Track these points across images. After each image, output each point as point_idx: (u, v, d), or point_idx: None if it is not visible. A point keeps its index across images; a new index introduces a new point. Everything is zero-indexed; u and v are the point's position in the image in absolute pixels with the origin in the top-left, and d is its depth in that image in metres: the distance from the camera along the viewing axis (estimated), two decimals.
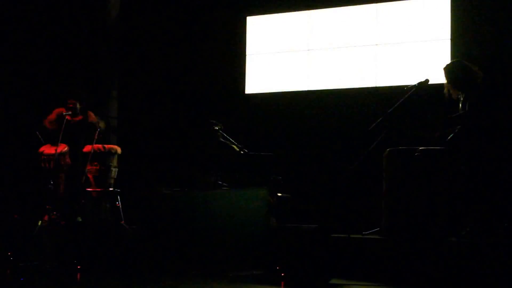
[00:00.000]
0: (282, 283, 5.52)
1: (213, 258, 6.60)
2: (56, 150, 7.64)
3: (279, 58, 9.01)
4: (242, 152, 7.00)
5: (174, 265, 6.70)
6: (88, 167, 7.63)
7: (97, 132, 7.63)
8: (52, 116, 8.03)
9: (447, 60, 7.70)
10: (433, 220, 5.80)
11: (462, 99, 5.91)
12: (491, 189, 5.82)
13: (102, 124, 7.76)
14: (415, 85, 6.05)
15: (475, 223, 5.67)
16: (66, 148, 7.76)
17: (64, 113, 7.89)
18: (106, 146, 7.75)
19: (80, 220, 7.20)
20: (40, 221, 6.70)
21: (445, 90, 6.03)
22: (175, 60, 9.65)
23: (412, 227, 5.82)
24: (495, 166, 5.86)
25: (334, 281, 5.52)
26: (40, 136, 7.88)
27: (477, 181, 5.73)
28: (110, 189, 7.67)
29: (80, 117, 7.95)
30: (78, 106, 8.03)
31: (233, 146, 7.12)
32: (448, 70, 5.99)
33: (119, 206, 7.59)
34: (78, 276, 5.94)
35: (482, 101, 5.80)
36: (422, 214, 5.81)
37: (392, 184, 6.04)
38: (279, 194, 6.86)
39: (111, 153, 7.77)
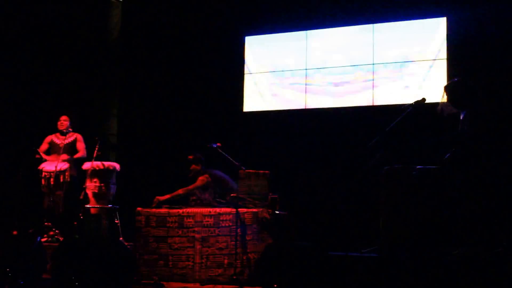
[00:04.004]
0: None
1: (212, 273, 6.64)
2: (56, 167, 7.69)
3: (277, 76, 9.08)
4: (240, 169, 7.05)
5: (171, 280, 6.74)
6: (87, 184, 7.67)
7: (97, 148, 7.68)
8: (44, 145, 8.13)
9: (443, 79, 7.79)
10: (430, 238, 5.83)
11: (462, 117, 5.93)
12: (488, 207, 5.85)
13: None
14: (411, 103, 6.09)
15: (473, 241, 5.69)
16: (66, 166, 7.82)
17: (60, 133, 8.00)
18: (105, 163, 7.79)
19: (77, 237, 7.22)
20: (39, 238, 6.72)
21: (439, 107, 6.06)
22: (174, 78, 9.73)
23: (409, 245, 5.84)
24: (492, 184, 5.89)
25: None
26: (40, 153, 7.94)
27: (474, 199, 5.75)
28: (109, 206, 7.70)
29: (69, 139, 8.08)
30: (69, 124, 8.15)
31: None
32: (449, 88, 6.01)
33: (117, 223, 7.61)
34: None
35: (480, 120, 5.83)
36: (419, 232, 5.83)
37: (389, 202, 6.07)
38: (277, 212, 6.89)
39: (110, 170, 7.81)
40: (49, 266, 6.50)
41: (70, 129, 8.15)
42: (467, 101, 5.88)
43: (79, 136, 8.19)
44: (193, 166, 7.60)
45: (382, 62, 8.41)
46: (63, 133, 8.12)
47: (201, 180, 7.43)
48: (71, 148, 8.08)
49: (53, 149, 8.08)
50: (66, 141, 8.09)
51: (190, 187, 7.39)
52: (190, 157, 7.67)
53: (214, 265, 6.71)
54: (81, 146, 8.12)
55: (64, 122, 8.17)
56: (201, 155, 7.72)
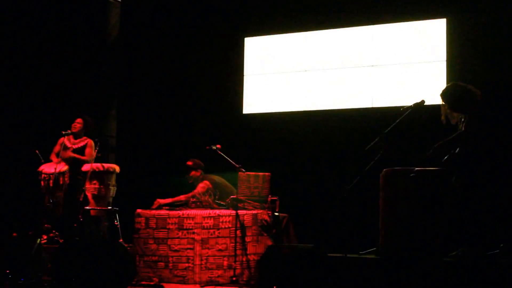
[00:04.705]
0: None
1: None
2: (55, 169, 7.70)
3: (277, 78, 9.08)
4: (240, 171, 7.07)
5: (171, 282, 6.76)
6: (87, 186, 7.68)
7: (96, 150, 7.70)
8: (57, 147, 8.13)
9: (443, 81, 7.79)
10: (429, 240, 5.84)
11: (463, 120, 5.91)
12: (486, 209, 5.86)
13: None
14: (411, 106, 6.09)
15: (470, 243, 5.70)
16: (65, 167, 7.82)
17: (63, 133, 7.99)
18: (104, 165, 7.80)
19: (77, 238, 7.23)
20: (38, 239, 6.73)
21: (443, 117, 6.02)
22: (173, 80, 9.73)
23: (408, 247, 5.85)
24: (490, 186, 5.90)
25: None
26: (40, 155, 7.95)
27: (472, 201, 5.76)
28: (109, 207, 7.71)
29: (80, 144, 8.08)
30: (82, 128, 8.15)
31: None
32: (445, 94, 5.99)
33: (117, 224, 7.63)
34: None
35: (478, 121, 5.82)
36: (418, 234, 5.84)
37: (388, 204, 6.08)
38: (276, 214, 6.91)
39: (109, 171, 7.82)
40: (49, 268, 6.51)
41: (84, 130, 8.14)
42: (465, 103, 5.87)
43: (89, 142, 8.15)
44: (193, 173, 7.64)
45: (382, 64, 8.41)
46: (76, 136, 8.13)
47: (201, 187, 7.46)
48: (80, 153, 8.07)
49: (62, 151, 8.04)
50: (76, 146, 8.09)
51: (191, 193, 7.42)
52: (190, 163, 7.71)
53: (213, 267, 6.73)
54: (89, 152, 8.09)
55: (77, 125, 8.17)
56: (200, 161, 7.74)
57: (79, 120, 8.20)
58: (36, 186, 7.87)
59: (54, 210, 7.79)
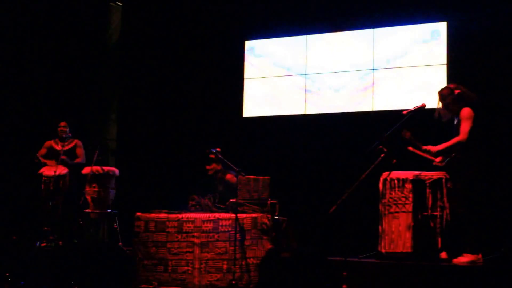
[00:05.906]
0: None
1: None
2: (55, 172, 7.70)
3: (277, 82, 9.08)
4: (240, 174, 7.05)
5: (170, 285, 6.75)
6: (87, 189, 7.68)
7: (96, 153, 7.71)
8: (43, 150, 8.15)
9: (443, 84, 7.78)
10: (428, 244, 5.83)
11: (456, 121, 5.95)
12: (486, 212, 5.86)
13: None
14: (411, 109, 6.10)
15: (472, 246, 5.69)
16: (65, 170, 7.83)
17: (64, 136, 8.01)
18: (104, 168, 7.80)
19: (76, 241, 7.24)
20: (38, 242, 6.73)
21: (436, 114, 6.09)
22: (174, 83, 9.73)
23: (408, 251, 5.84)
24: (490, 189, 5.90)
25: None
26: (40, 158, 7.96)
27: (472, 203, 5.75)
28: (108, 210, 7.70)
29: (69, 146, 8.09)
30: (68, 131, 8.17)
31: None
32: (442, 94, 6.05)
33: (116, 227, 7.62)
34: None
35: (475, 123, 5.84)
36: (418, 238, 5.84)
37: (388, 207, 6.07)
38: (276, 217, 6.89)
39: (109, 175, 7.82)
40: (49, 271, 6.50)
41: (69, 134, 8.15)
42: (457, 105, 5.90)
43: (78, 142, 8.22)
44: (214, 165, 7.58)
45: (382, 67, 8.41)
46: (63, 139, 8.13)
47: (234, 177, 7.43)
48: (70, 154, 8.10)
49: (52, 155, 8.08)
50: (66, 148, 8.10)
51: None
52: (213, 156, 7.62)
53: (213, 270, 6.70)
54: (80, 152, 8.15)
55: (64, 128, 8.20)
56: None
57: (63, 123, 8.21)
58: (35, 189, 7.88)
59: (54, 213, 7.79)
